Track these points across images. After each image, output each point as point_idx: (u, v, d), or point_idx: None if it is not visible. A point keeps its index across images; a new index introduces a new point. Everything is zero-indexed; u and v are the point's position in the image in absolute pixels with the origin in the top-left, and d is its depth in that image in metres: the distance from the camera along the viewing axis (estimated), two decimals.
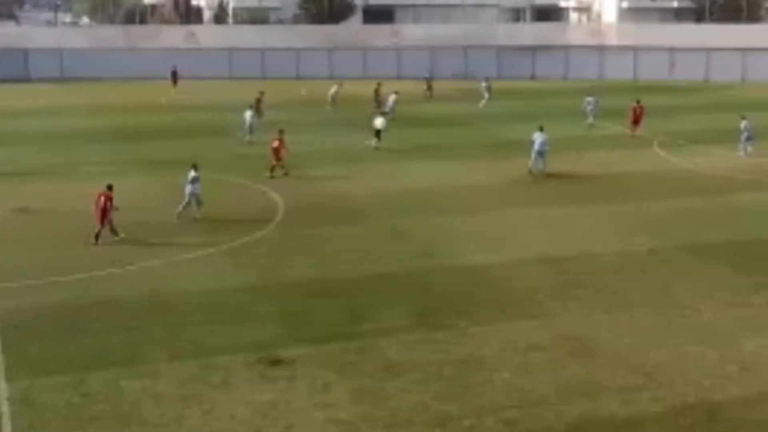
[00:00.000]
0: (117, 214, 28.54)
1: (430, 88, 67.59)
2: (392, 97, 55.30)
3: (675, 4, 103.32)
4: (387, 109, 52.62)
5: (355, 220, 31.63)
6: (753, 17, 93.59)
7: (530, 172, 38.77)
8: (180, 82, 71.31)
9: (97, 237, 28.28)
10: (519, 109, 60.26)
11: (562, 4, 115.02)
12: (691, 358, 19.48)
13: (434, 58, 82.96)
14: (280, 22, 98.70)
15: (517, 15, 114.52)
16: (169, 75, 71.81)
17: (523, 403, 17.39)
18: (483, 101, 62.09)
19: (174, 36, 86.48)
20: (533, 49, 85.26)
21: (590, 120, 53.08)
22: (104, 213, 28.21)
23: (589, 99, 54.01)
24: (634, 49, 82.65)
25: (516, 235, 29.63)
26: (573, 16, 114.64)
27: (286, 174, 38.31)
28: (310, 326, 21.47)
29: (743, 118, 44.50)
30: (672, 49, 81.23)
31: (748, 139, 43.84)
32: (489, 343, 20.28)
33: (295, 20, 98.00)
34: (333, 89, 61.22)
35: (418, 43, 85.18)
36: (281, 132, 39.16)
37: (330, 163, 41.27)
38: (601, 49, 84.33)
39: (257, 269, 26.03)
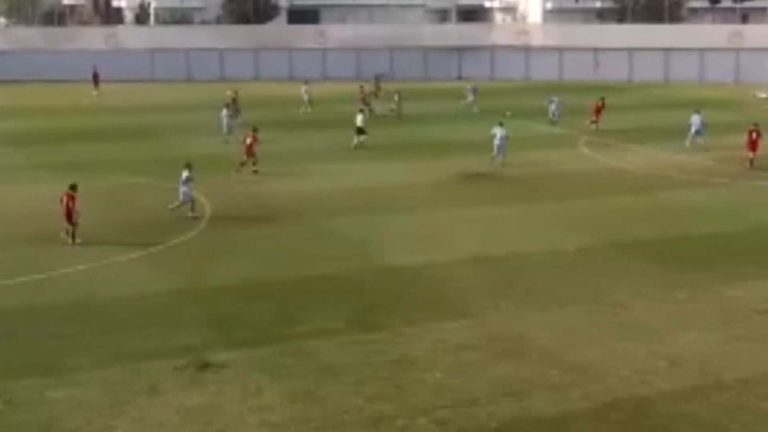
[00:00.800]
0: (49, 219, 27.97)
1: (378, 88, 67.86)
2: (394, 97, 56.44)
3: (598, 5, 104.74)
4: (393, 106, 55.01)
5: (289, 221, 31.37)
6: (674, 17, 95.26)
7: (493, 162, 40.85)
8: (102, 84, 70.23)
9: (72, 236, 28.06)
10: (450, 110, 60.61)
11: (487, 4, 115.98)
12: (620, 354, 19.63)
13: (360, 59, 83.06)
14: (204, 22, 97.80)
15: (442, 15, 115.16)
16: (90, 77, 70.71)
17: (455, 402, 17.35)
18: (466, 102, 62.40)
19: (94, 37, 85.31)
20: (459, 50, 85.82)
21: (554, 119, 54.57)
22: (69, 213, 27.93)
23: (553, 98, 55.27)
24: (560, 49, 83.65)
25: (449, 235, 29.66)
26: (498, 16, 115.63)
27: (255, 171, 38.75)
28: (242, 329, 21.19)
29: (697, 112, 46.27)
30: (596, 49, 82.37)
31: (697, 132, 45.53)
32: (422, 343, 20.23)
33: (219, 20, 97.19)
34: (304, 89, 61.16)
35: (343, 44, 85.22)
36: (255, 130, 39.79)
37: (261, 164, 40.91)
38: (526, 49, 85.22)
39: (187, 272, 25.64)
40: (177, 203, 31.43)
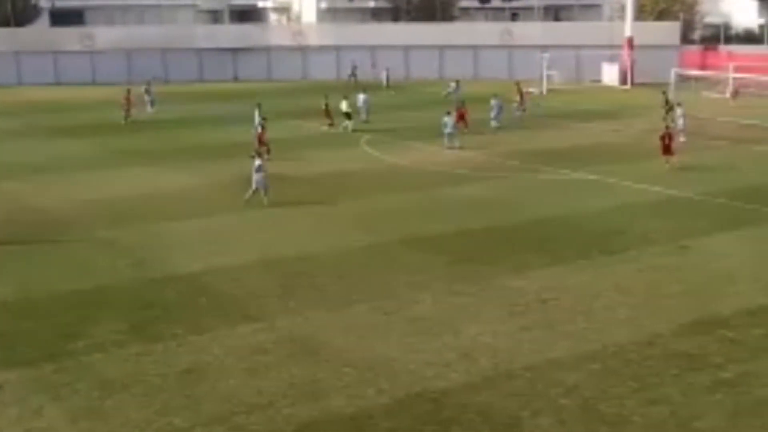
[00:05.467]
0: None
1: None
2: (362, 97, 55.23)
3: (372, 5, 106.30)
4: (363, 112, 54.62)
5: (60, 234, 29.80)
6: (446, 17, 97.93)
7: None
8: None
9: None
10: (227, 112, 59.93)
11: (261, 4, 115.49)
12: (413, 349, 19.69)
13: (131, 62, 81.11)
14: None
15: (214, 16, 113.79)
16: None
17: (250, 408, 16.89)
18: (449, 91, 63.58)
19: None
20: (234, 51, 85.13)
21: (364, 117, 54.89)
22: None
23: (360, 97, 55.49)
24: (337, 49, 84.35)
25: (233, 238, 29.10)
26: (272, 16, 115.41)
27: (269, 159, 38.93)
28: (16, 349, 19.87)
29: (495, 96, 50.98)
30: (373, 48, 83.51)
31: (497, 115, 50.23)
32: (212, 351, 19.64)
33: None
34: (144, 89, 59.34)
35: (113, 46, 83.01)
36: (264, 119, 43.72)
37: (23, 175, 38.93)
38: (303, 49, 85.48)
39: None
40: (251, 192, 32.68)
